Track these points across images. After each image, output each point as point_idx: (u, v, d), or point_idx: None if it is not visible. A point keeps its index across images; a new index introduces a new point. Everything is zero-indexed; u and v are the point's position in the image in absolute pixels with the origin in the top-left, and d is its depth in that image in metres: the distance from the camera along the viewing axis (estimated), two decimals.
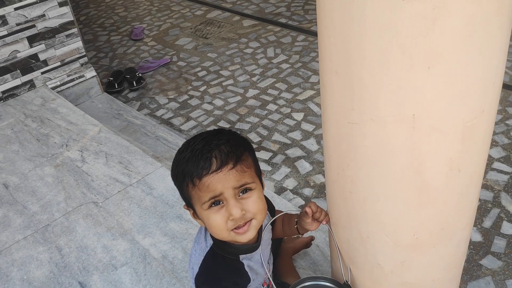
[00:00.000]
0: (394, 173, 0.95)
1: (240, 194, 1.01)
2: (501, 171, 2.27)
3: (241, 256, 1.13)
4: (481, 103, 0.87)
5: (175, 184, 1.06)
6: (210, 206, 1.00)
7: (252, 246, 1.13)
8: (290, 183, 2.37)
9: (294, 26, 3.92)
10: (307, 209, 1.15)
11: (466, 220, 1.09)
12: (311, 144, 2.61)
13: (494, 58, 0.83)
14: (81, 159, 2.19)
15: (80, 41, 2.96)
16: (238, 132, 1.15)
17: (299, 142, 2.63)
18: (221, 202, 1.00)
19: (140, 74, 3.39)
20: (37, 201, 1.98)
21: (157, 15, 4.59)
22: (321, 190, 2.30)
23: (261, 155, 2.56)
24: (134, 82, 3.30)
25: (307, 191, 2.31)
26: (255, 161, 1.09)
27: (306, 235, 1.50)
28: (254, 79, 3.29)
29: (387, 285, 1.17)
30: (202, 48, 3.82)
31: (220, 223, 1.00)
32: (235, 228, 1.02)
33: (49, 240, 1.79)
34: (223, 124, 2.86)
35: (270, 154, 2.57)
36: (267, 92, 3.12)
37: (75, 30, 2.91)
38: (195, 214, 1.07)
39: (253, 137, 2.70)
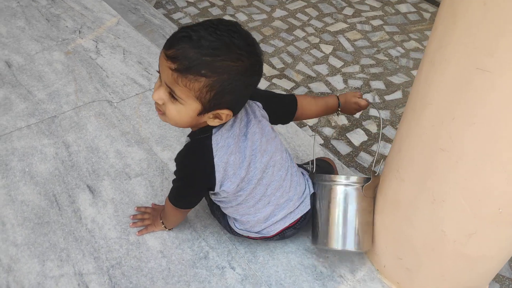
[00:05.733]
0: None
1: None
2: None
3: (214, 130, 1.04)
4: None
5: None
6: None
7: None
8: (310, 119, 2.22)
9: None
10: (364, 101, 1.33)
11: None
12: (337, 81, 2.43)
13: None
14: (95, 50, 1.96)
15: None
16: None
17: (325, 77, 2.45)
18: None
19: None
20: (44, 88, 1.77)
21: None
22: (341, 133, 2.17)
23: (282, 83, 2.38)
24: None
25: (327, 131, 2.17)
26: (216, 94, 0.93)
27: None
28: None
29: (444, 254, 1.07)
30: None
31: None
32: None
33: (55, 134, 1.61)
34: None
35: (293, 84, 2.39)
36: (296, 16, 2.88)
37: None
38: None
39: (276, 62, 2.51)
